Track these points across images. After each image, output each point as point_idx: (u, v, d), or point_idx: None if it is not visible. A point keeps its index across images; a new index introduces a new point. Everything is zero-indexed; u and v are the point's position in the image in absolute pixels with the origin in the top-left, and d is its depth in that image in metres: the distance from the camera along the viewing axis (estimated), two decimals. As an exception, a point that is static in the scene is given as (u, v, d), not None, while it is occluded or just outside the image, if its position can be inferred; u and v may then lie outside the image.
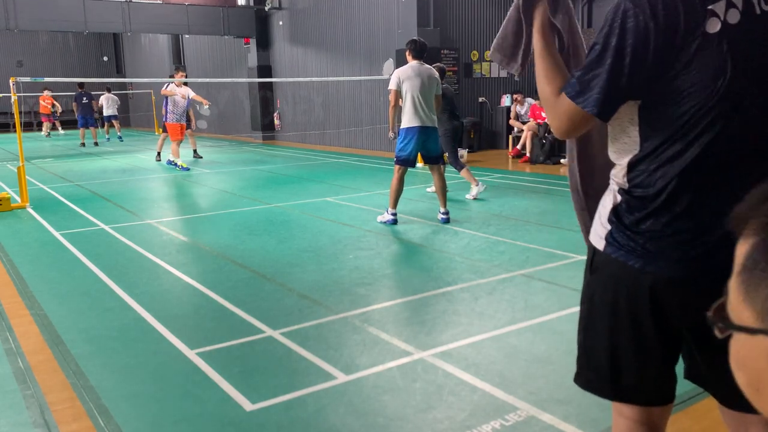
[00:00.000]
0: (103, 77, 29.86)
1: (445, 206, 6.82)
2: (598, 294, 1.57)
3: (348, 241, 6.09)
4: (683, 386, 1.70)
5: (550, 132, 11.86)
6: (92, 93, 19.21)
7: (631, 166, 1.47)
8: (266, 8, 19.06)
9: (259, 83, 18.83)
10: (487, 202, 7.96)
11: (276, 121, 19.66)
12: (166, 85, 12.43)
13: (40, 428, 2.79)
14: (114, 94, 20.80)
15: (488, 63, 15.01)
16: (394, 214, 6.71)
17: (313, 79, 16.16)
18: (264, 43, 19.50)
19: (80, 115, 18.62)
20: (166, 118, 12.47)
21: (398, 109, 6.60)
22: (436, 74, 6.66)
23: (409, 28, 13.59)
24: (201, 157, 14.36)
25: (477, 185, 8.14)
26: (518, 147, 12.60)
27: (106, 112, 20.14)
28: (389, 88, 6.60)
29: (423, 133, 6.53)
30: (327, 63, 16.91)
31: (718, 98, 1.33)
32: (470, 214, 7.29)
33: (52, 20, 17.00)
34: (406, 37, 13.73)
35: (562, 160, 11.52)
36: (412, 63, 6.58)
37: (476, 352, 3.45)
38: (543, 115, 12.08)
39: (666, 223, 1.42)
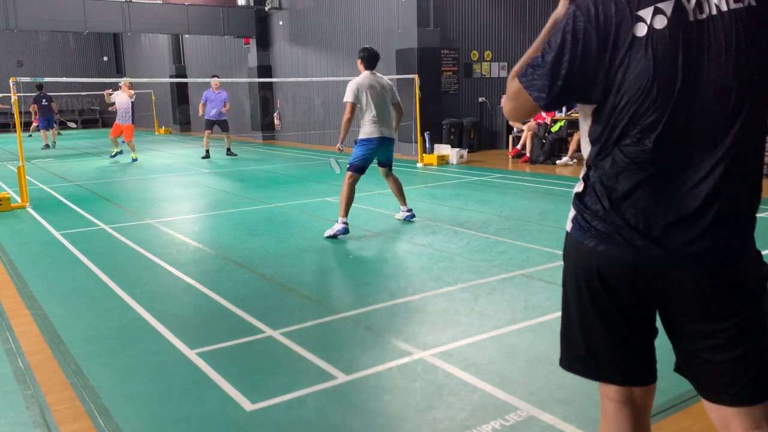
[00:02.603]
0: (103, 77, 29.89)
1: (405, 203, 6.81)
2: (568, 277, 1.69)
3: (348, 241, 6.09)
4: (683, 386, 1.71)
5: (550, 132, 11.86)
6: (51, 95, 18.97)
7: (588, 159, 1.63)
8: (266, 8, 19.07)
9: (259, 83, 18.83)
10: (487, 202, 7.96)
11: (276, 121, 19.65)
12: (113, 92, 14.38)
13: (40, 428, 2.79)
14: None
15: (488, 63, 15.02)
16: (345, 223, 6.24)
17: (313, 79, 16.15)
18: (264, 43, 19.51)
19: (41, 116, 18.55)
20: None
21: (352, 122, 6.32)
22: (389, 84, 6.46)
23: (409, 28, 13.59)
24: (235, 155, 14.96)
25: None
26: (518, 147, 12.60)
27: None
28: (345, 100, 6.28)
29: (382, 143, 6.38)
30: (327, 63, 16.91)
31: (645, 96, 1.46)
32: (470, 214, 7.29)
33: (52, 20, 17.00)
34: (406, 37, 13.79)
35: (558, 161, 11.52)
36: (366, 73, 6.34)
37: (476, 352, 3.45)
38: (543, 114, 12.08)
39: (613, 207, 1.54)
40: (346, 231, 6.23)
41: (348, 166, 6.40)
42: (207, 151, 14.73)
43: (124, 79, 14.01)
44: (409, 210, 6.82)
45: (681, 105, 1.45)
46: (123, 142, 15.89)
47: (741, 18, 1.43)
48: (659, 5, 1.44)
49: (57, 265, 5.57)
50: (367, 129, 6.34)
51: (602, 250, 1.56)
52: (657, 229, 1.50)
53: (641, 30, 1.44)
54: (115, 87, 14.98)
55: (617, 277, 1.56)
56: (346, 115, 6.27)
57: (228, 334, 3.82)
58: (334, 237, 6.15)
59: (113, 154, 14.77)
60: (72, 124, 21.29)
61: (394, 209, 7.50)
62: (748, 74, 1.44)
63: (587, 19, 1.49)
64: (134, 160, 14.24)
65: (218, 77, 14.76)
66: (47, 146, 18.51)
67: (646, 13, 1.44)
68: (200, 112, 14.63)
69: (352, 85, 6.28)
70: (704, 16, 1.44)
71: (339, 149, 6.62)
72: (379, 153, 6.45)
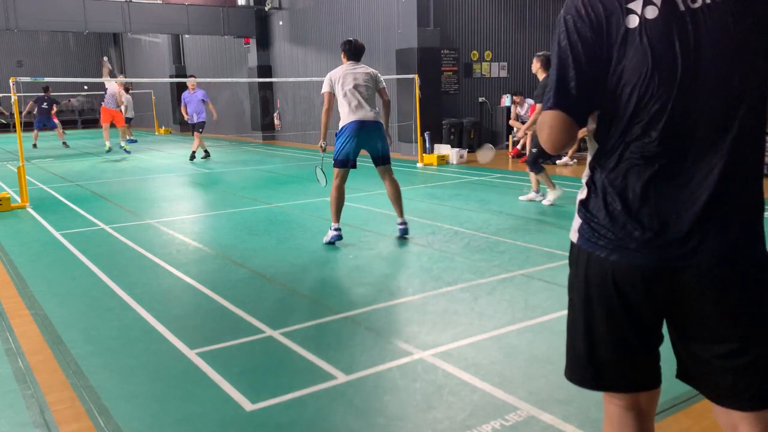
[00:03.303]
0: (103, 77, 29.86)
1: (402, 215, 6.08)
2: (577, 285, 1.66)
3: (348, 241, 6.09)
4: (683, 386, 1.71)
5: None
6: (53, 99, 18.94)
7: (593, 161, 1.61)
8: (266, 8, 19.07)
9: (259, 83, 18.83)
10: (487, 202, 7.96)
11: (276, 121, 19.65)
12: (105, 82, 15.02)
13: (40, 428, 2.79)
14: (130, 95, 20.52)
15: (488, 63, 15.01)
16: (338, 230, 5.94)
17: (313, 79, 16.14)
18: (264, 43, 19.51)
19: (38, 117, 18.61)
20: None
21: (332, 115, 5.97)
22: (373, 72, 6.04)
23: (409, 28, 13.58)
24: (193, 159, 14.22)
25: (555, 189, 7.59)
26: (518, 147, 12.60)
27: (126, 114, 19.82)
28: (322, 91, 5.94)
29: (362, 128, 5.80)
30: (327, 63, 16.90)
31: (647, 85, 1.46)
32: (470, 214, 7.29)
33: (52, 20, 17.00)
34: (406, 37, 13.79)
35: (558, 161, 11.53)
36: (346, 63, 6.00)
37: (476, 352, 3.45)
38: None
39: (623, 212, 1.53)
40: (339, 238, 5.96)
41: (332, 163, 6.03)
42: (205, 151, 14.64)
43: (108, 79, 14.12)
44: (404, 224, 6.09)
45: (684, 92, 1.45)
46: (129, 140, 16.17)
47: (735, 5, 1.44)
48: None
49: (57, 265, 5.57)
50: (343, 118, 5.91)
51: (615, 260, 1.54)
52: (671, 227, 1.49)
53: (633, 21, 1.46)
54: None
55: (633, 285, 1.54)
56: (324, 105, 5.93)
57: (228, 334, 3.82)
58: (331, 244, 6.00)
59: (108, 149, 15.19)
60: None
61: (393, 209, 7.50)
62: (749, 61, 1.44)
63: (578, 17, 1.51)
64: (127, 152, 14.82)
65: (195, 77, 14.37)
66: (35, 146, 18.63)
67: (636, 5, 1.47)
68: (185, 117, 14.14)
69: (328, 75, 5.96)
70: (697, 5, 1.45)
71: (321, 147, 6.22)
72: (362, 141, 5.86)
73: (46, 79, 11.59)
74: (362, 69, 6.00)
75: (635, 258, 1.51)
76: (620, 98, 1.50)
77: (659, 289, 1.53)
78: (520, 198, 7.97)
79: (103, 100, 15.33)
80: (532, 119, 8.16)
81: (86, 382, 3.22)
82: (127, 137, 15.87)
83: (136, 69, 30.10)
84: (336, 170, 5.98)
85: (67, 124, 28.36)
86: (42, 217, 7.73)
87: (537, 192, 7.86)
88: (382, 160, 6.01)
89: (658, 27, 1.45)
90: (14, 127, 9.74)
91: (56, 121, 19.22)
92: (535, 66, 7.49)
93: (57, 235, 6.75)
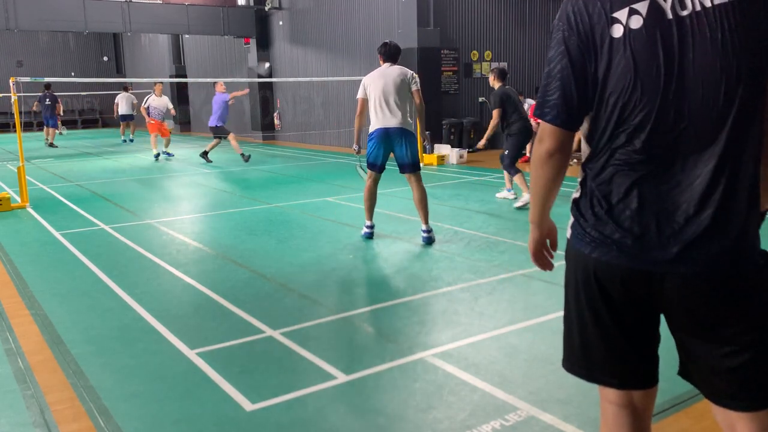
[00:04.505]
0: (103, 77, 29.89)
1: (426, 222, 5.92)
2: (568, 281, 1.73)
3: (348, 241, 6.09)
4: (683, 386, 1.71)
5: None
6: (56, 95, 19.00)
7: (584, 163, 1.64)
8: (266, 8, 19.07)
9: (259, 83, 18.84)
10: (488, 202, 7.96)
11: (276, 121, 19.65)
12: (145, 100, 14.84)
13: (40, 428, 2.79)
14: (132, 93, 20.48)
15: (488, 63, 15.01)
16: (370, 227, 6.14)
17: (313, 79, 16.16)
18: (264, 43, 19.51)
19: (43, 115, 18.72)
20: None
21: (362, 119, 6.06)
22: (408, 73, 5.92)
23: (409, 28, 13.58)
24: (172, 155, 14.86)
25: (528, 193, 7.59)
26: (527, 154, 12.57)
27: (121, 112, 19.77)
28: (357, 97, 6.03)
29: (387, 135, 5.82)
30: (327, 63, 16.91)
31: (630, 95, 1.47)
32: (470, 214, 7.29)
33: (52, 20, 17.00)
34: (406, 37, 13.79)
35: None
36: (381, 66, 6.00)
37: (476, 352, 3.45)
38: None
39: (609, 211, 1.55)
40: (368, 236, 6.13)
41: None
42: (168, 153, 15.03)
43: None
44: (428, 231, 5.91)
45: (668, 103, 1.44)
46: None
47: (727, 12, 1.41)
48: (634, 6, 1.45)
49: (57, 265, 5.57)
50: (371, 122, 5.96)
51: (597, 257, 1.58)
52: (651, 233, 1.49)
53: (618, 31, 1.46)
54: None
55: (612, 283, 1.57)
56: (357, 111, 6.06)
57: (228, 334, 3.82)
58: (362, 236, 6.19)
59: (156, 155, 14.67)
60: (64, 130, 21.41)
61: (394, 209, 7.50)
62: (737, 70, 1.41)
63: (568, 27, 1.53)
64: (170, 154, 15.02)
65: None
66: (52, 144, 18.65)
67: (622, 14, 1.46)
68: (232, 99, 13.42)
69: (363, 80, 6.01)
70: (686, 12, 1.42)
71: (355, 150, 6.24)
72: (388, 148, 5.88)
73: (47, 79, 11.58)
74: (396, 71, 5.91)
75: (615, 257, 1.54)
76: (606, 107, 1.51)
77: (639, 291, 1.55)
78: (497, 195, 8.24)
79: (138, 112, 15.58)
80: (492, 126, 8.10)
81: (86, 382, 3.22)
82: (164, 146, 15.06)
83: (136, 69, 30.10)
84: (368, 172, 6.08)
85: (68, 124, 28.42)
86: (42, 217, 7.72)
87: (510, 190, 8.09)
88: (406, 168, 5.92)
89: (641, 37, 1.44)
90: (14, 127, 9.75)
91: (58, 120, 19.25)
92: (491, 79, 7.90)
93: (57, 235, 6.75)
